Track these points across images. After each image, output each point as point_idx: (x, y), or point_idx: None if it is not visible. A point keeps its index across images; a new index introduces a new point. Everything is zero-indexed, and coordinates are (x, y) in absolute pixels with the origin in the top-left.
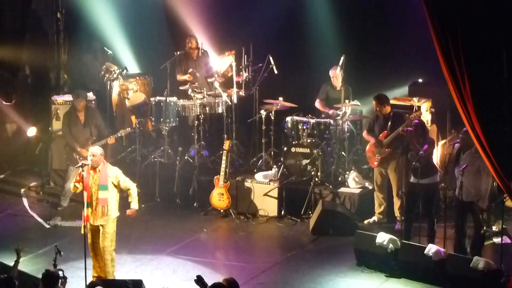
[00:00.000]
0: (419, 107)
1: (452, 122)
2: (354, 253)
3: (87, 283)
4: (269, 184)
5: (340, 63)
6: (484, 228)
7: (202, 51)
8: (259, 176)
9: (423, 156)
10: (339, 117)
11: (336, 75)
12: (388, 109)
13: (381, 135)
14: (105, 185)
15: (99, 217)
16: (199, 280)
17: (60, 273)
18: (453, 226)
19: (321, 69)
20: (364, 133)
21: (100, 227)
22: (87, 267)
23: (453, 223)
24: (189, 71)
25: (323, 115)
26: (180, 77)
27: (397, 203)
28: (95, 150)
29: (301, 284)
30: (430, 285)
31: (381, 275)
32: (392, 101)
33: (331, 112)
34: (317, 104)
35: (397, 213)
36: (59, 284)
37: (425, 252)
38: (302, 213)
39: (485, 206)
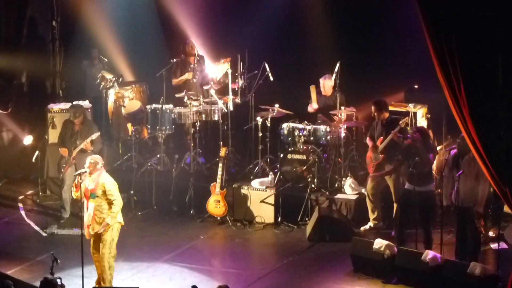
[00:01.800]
0: (414, 113)
1: (448, 128)
2: (351, 260)
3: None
4: (266, 191)
5: (336, 69)
6: (484, 233)
7: (198, 58)
8: (255, 183)
9: (430, 163)
10: (336, 121)
11: (325, 83)
12: (386, 115)
13: (378, 141)
14: (94, 193)
15: (97, 225)
16: None
17: (58, 281)
18: (449, 232)
19: (317, 76)
20: (367, 139)
21: (100, 235)
22: (86, 275)
23: (450, 229)
24: (190, 67)
25: (319, 121)
26: (176, 81)
27: (395, 209)
28: (97, 159)
29: None
30: None
31: (378, 281)
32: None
33: (310, 109)
34: (309, 108)
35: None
36: None
37: (422, 258)
38: (298, 219)
39: (481, 210)
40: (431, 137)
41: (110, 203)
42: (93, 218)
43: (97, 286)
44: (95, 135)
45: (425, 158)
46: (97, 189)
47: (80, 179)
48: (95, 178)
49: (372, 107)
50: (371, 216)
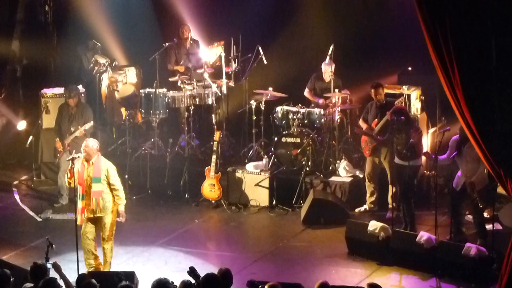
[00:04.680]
0: (408, 95)
1: (442, 110)
2: (346, 242)
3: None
4: (260, 174)
5: (329, 52)
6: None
7: (192, 42)
8: (250, 166)
9: (412, 144)
10: (330, 104)
11: (327, 69)
12: (383, 97)
13: (373, 123)
14: (99, 177)
15: (96, 209)
16: (192, 271)
17: (49, 265)
18: (444, 213)
19: (310, 59)
20: (360, 122)
21: (99, 219)
22: (81, 259)
23: (444, 211)
24: (181, 62)
25: (312, 105)
26: (171, 67)
27: (391, 191)
28: (90, 142)
29: (293, 273)
30: (421, 273)
31: (373, 263)
32: None
33: (320, 101)
34: (306, 93)
35: (390, 201)
36: (54, 270)
37: (416, 239)
38: (293, 202)
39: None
40: (407, 113)
41: (113, 189)
42: (95, 203)
43: (93, 267)
44: (88, 125)
45: (407, 136)
46: (101, 174)
47: (73, 164)
48: (96, 162)
49: (372, 90)
50: (369, 199)
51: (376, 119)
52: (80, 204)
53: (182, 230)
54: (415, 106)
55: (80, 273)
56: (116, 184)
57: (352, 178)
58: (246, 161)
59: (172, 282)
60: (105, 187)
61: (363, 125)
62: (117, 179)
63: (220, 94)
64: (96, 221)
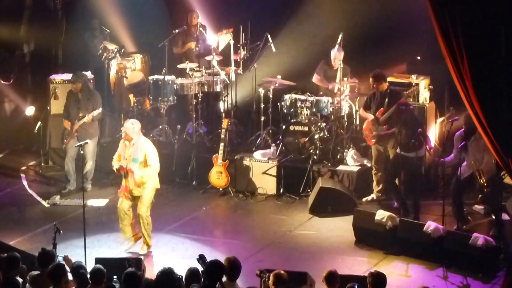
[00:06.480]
0: (417, 84)
1: (450, 99)
2: (353, 231)
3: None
4: (268, 162)
5: (339, 40)
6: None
7: (200, 28)
8: (257, 154)
9: (420, 133)
10: (338, 92)
11: (337, 56)
12: (385, 86)
13: (378, 112)
14: (136, 158)
15: (134, 188)
16: (201, 258)
17: (60, 258)
18: (451, 203)
19: (319, 47)
20: (361, 111)
21: (137, 197)
22: (88, 245)
23: (451, 201)
24: (193, 37)
25: (321, 92)
26: (177, 51)
27: (398, 180)
28: (128, 123)
29: (300, 262)
30: (428, 262)
31: (380, 252)
32: (390, 79)
33: (330, 86)
34: (315, 79)
35: None
36: (65, 264)
37: (424, 229)
38: (300, 191)
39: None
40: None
41: (148, 165)
42: (132, 182)
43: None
44: (96, 112)
45: (413, 128)
46: (138, 154)
47: (81, 150)
48: (136, 143)
49: (370, 80)
50: (376, 188)
51: (382, 108)
52: (123, 182)
53: (189, 217)
54: (424, 96)
55: (90, 257)
56: (153, 164)
57: (359, 167)
58: (254, 149)
59: (177, 274)
60: (142, 167)
61: (365, 115)
62: (155, 160)
63: (228, 81)
64: (134, 199)
